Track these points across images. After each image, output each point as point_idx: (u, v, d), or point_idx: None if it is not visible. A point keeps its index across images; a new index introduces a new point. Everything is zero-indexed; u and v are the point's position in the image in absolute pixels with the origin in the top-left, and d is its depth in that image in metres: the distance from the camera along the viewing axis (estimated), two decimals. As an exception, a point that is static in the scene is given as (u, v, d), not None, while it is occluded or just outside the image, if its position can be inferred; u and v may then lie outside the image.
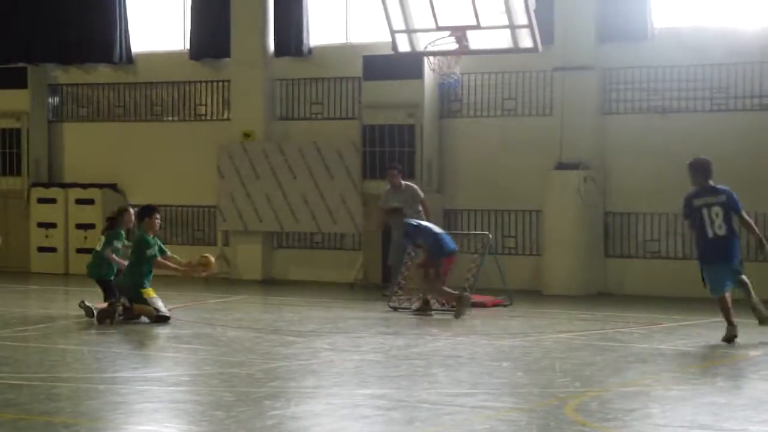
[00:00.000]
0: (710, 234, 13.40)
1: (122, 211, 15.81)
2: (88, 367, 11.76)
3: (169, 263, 15.07)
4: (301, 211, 20.98)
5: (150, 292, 14.78)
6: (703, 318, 15.85)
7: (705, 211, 13.48)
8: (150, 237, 14.96)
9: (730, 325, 13.33)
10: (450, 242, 16.11)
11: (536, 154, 19.40)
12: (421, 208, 17.83)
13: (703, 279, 13.51)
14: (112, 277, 15.37)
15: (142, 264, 14.86)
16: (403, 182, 18.11)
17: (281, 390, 10.32)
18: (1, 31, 23.22)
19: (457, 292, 15.87)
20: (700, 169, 13.74)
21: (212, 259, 15.35)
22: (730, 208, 13.47)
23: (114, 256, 15.32)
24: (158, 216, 15.22)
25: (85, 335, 13.85)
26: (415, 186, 18.17)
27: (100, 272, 15.49)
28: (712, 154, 18.54)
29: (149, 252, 14.86)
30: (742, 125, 18.57)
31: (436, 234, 16.02)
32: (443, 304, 16.47)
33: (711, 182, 13.64)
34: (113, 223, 15.63)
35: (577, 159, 18.90)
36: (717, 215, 13.44)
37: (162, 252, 15.06)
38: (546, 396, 10.13)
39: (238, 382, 10.82)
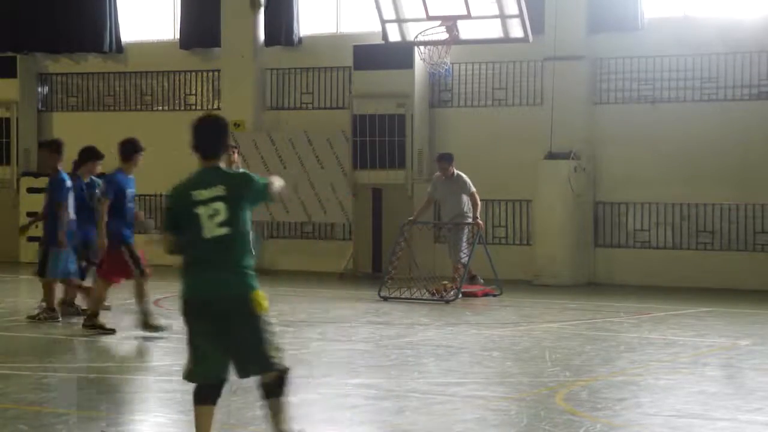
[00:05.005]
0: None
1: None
2: (78, 357, 11.75)
3: None
4: (292, 201, 20.96)
5: None
6: (692, 307, 15.89)
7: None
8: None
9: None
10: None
11: (526, 144, 19.39)
12: (467, 200, 17.29)
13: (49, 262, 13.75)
14: None
15: None
16: (455, 171, 17.41)
17: (271, 379, 10.31)
18: (-10, 20, 23.17)
19: None
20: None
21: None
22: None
23: None
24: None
25: (75, 325, 13.82)
26: (466, 177, 17.39)
27: None
28: (702, 144, 18.72)
29: None
30: (733, 115, 18.58)
31: None
32: (433, 294, 16.50)
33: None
34: None
35: (567, 149, 18.90)
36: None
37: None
38: (536, 385, 10.15)
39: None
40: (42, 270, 13.89)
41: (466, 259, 16.74)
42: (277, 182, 7.36)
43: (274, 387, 7.14)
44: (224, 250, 7.03)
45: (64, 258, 13.84)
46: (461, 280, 16.54)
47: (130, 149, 13.27)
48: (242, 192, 7.13)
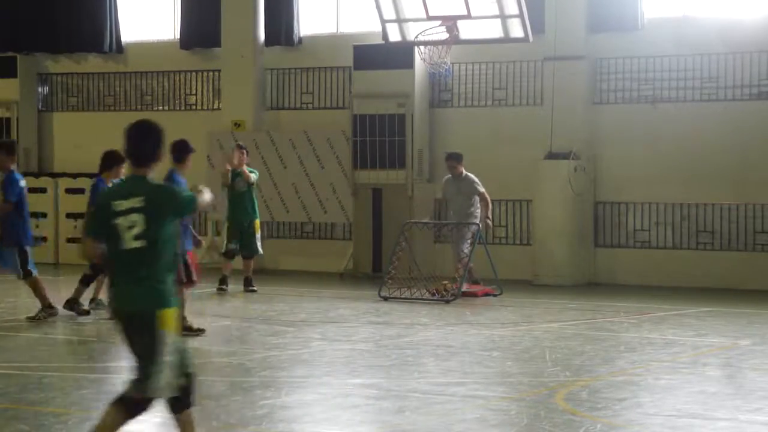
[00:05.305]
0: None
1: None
2: (78, 357, 11.75)
3: None
4: (292, 201, 20.97)
5: None
6: (692, 307, 15.89)
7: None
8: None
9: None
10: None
11: (527, 144, 19.40)
12: (475, 200, 17.21)
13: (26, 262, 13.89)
14: None
15: None
16: (464, 171, 17.42)
17: (272, 379, 10.33)
18: (-9, 20, 23.18)
19: None
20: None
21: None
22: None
23: None
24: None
25: (75, 325, 13.83)
26: (475, 177, 17.40)
27: None
28: (702, 144, 18.73)
29: None
30: (733, 115, 18.59)
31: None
32: (433, 294, 16.50)
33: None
34: None
35: (567, 149, 18.91)
36: None
37: None
38: (536, 385, 10.15)
39: (229, 372, 10.83)
40: (26, 272, 13.89)
41: (466, 259, 16.74)
42: (207, 195, 7.22)
43: (130, 406, 6.90)
44: (139, 263, 6.80)
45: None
46: (461, 280, 16.55)
47: (183, 151, 12.96)
48: (162, 205, 6.89)
